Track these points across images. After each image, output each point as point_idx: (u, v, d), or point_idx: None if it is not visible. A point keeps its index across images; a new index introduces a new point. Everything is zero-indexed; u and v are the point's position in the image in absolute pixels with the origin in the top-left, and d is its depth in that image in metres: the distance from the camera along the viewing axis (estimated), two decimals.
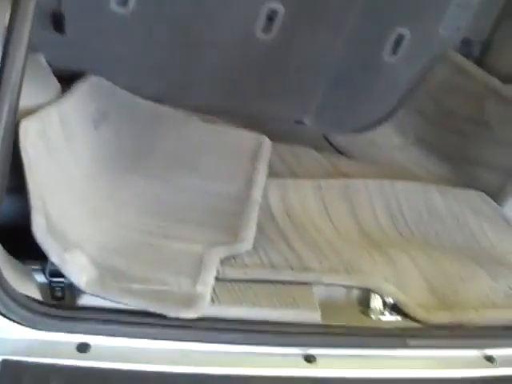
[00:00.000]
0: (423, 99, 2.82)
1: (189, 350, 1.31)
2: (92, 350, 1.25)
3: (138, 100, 2.38)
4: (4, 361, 1.19)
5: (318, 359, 1.33)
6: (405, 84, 2.85)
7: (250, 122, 2.56)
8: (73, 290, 1.33)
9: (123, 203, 1.68)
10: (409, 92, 2.85)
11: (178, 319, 1.31)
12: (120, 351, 1.27)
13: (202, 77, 2.58)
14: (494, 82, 2.53)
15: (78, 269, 1.33)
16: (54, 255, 1.30)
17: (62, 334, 1.26)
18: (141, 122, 2.25)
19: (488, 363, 1.43)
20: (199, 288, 1.38)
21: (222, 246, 1.56)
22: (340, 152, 2.70)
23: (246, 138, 2.40)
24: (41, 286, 1.33)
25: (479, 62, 2.82)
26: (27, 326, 1.23)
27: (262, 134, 2.42)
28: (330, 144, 2.76)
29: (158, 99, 2.45)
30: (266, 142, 2.37)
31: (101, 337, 1.27)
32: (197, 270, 1.44)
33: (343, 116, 2.88)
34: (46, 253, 1.30)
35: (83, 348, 1.25)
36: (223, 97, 2.66)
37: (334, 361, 1.34)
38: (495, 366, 1.43)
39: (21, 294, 1.26)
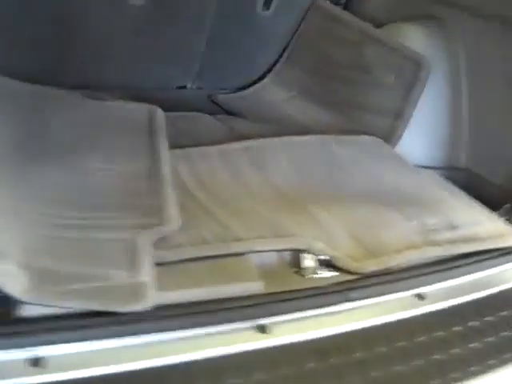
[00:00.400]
0: (301, 50, 2.86)
1: (143, 343, 1.27)
2: (47, 363, 1.18)
3: (15, 83, 2.23)
4: None
5: (270, 328, 1.34)
6: (282, 37, 2.88)
7: (134, 93, 2.49)
8: (7, 303, 1.24)
9: (32, 199, 1.57)
10: (286, 44, 2.88)
11: (127, 314, 1.27)
12: (76, 358, 1.20)
13: (77, 51, 2.46)
14: (368, 27, 2.61)
15: (8, 278, 1.24)
16: None
17: (10, 351, 1.18)
18: (24, 107, 2.11)
19: (420, 301, 1.51)
20: (141, 278, 1.34)
21: (150, 229, 1.52)
22: (228, 112, 2.69)
23: (136, 110, 2.33)
24: None
25: (347, 8, 2.89)
26: None
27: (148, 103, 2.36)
28: (217, 105, 2.75)
29: (33, 80, 2.31)
30: (159, 112, 2.31)
31: (53, 346, 1.20)
32: (133, 259, 1.40)
33: (225, 75, 2.87)
34: None
35: (37, 362, 1.18)
36: (103, 70, 2.55)
37: (285, 327, 1.36)
38: (427, 303, 1.51)
39: None
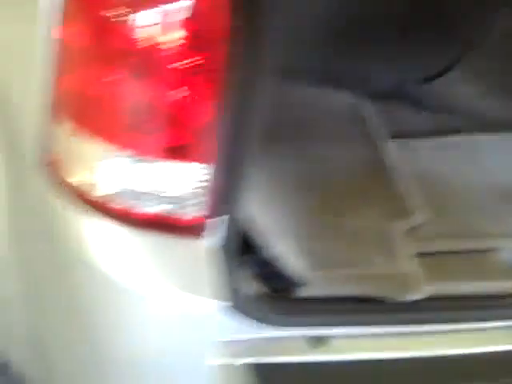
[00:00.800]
0: (491, 43, 2.77)
1: (411, 332, 1.29)
2: (327, 343, 1.23)
3: None
4: (258, 365, 1.16)
5: None
6: (472, 29, 2.80)
7: (326, 83, 2.48)
8: (287, 283, 1.29)
9: (286, 184, 1.61)
10: (476, 38, 2.79)
11: (401, 303, 1.28)
12: (356, 341, 1.24)
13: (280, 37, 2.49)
14: None
15: (291, 258, 1.29)
16: (268, 247, 1.26)
17: (293, 329, 1.23)
18: None
19: None
20: (407, 267, 1.37)
21: (401, 219, 1.53)
22: (415, 103, 2.65)
23: (339, 98, 2.33)
24: (256, 280, 1.28)
25: None
26: (269, 324, 1.19)
27: None
28: (404, 96, 2.71)
29: None
30: (362, 102, 2.30)
31: (333, 328, 1.24)
32: (393, 248, 1.43)
33: (411, 66, 2.82)
34: (260, 245, 1.26)
35: (318, 342, 1.22)
36: (301, 57, 2.57)
37: None
38: None
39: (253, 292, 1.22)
